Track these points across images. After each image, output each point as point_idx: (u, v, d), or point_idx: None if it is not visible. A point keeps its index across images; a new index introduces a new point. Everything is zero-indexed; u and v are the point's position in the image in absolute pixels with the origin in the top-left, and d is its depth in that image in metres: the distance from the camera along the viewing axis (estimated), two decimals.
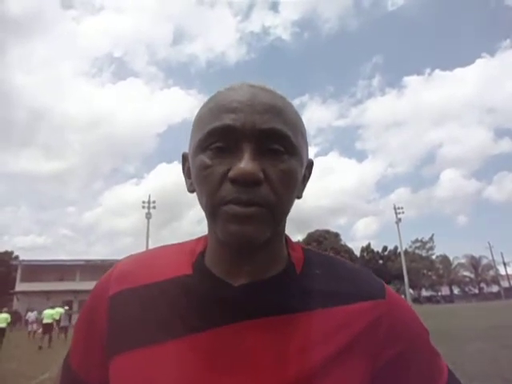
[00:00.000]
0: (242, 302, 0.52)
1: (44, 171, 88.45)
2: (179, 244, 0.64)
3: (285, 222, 0.55)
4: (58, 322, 16.77)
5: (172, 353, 0.50)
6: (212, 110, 0.51)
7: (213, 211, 0.49)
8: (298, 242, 0.64)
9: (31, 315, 19.82)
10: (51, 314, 15.88)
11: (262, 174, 0.47)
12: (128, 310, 0.55)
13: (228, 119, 0.48)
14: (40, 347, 13.54)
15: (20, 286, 37.59)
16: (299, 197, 0.57)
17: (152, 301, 0.54)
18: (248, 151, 0.47)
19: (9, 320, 14.96)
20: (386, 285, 0.60)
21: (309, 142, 0.58)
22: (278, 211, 0.49)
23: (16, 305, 35.96)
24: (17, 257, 45.55)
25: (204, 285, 0.54)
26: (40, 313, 16.51)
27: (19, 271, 38.73)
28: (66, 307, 18.63)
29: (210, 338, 0.50)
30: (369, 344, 0.52)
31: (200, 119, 0.53)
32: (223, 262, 0.54)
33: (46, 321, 15.33)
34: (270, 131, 0.48)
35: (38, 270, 38.12)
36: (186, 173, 0.58)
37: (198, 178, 0.50)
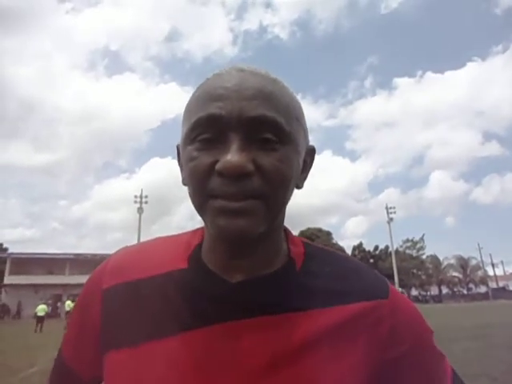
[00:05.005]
0: (237, 299, 0.50)
1: (34, 164, 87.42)
2: (175, 236, 0.62)
3: (283, 214, 0.53)
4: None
5: (163, 351, 0.49)
6: (198, 98, 0.48)
7: (200, 206, 0.47)
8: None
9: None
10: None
11: (252, 165, 0.44)
12: (122, 305, 0.54)
13: (213, 108, 0.45)
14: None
15: (9, 279, 37.14)
16: (299, 186, 0.54)
17: (146, 296, 0.53)
18: (236, 141, 0.44)
19: (46, 310, 17.58)
20: (389, 284, 0.57)
21: None
22: (273, 203, 0.46)
23: (4, 298, 35.56)
24: (6, 249, 44.99)
25: (199, 280, 0.52)
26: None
27: (8, 264, 38.25)
28: None
29: (203, 337, 0.48)
30: (370, 345, 0.51)
31: (187, 109, 0.51)
32: (219, 256, 0.52)
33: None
34: (259, 118, 0.45)
35: (27, 263, 37.72)
36: (181, 164, 0.55)
37: (186, 171, 0.48)
